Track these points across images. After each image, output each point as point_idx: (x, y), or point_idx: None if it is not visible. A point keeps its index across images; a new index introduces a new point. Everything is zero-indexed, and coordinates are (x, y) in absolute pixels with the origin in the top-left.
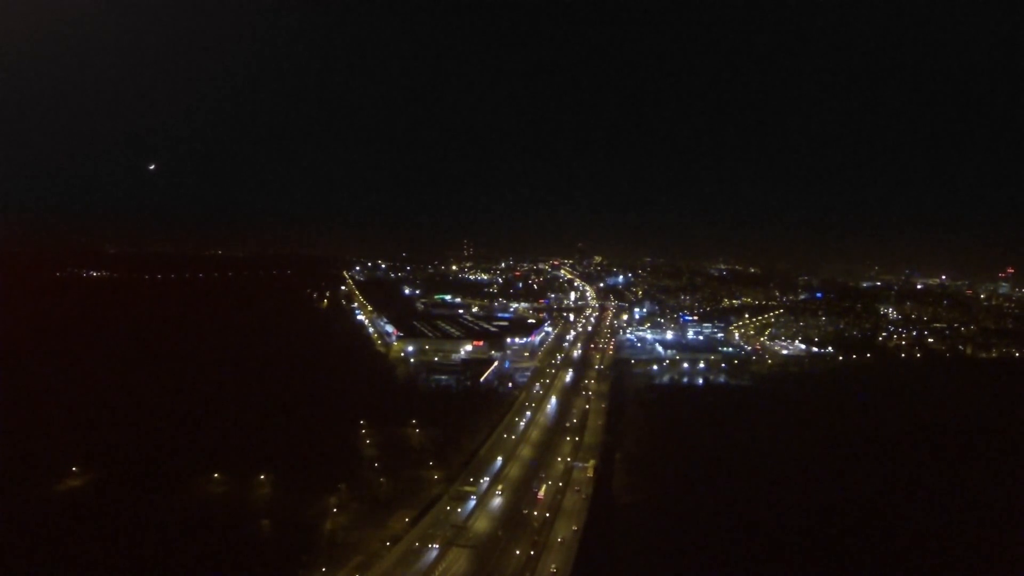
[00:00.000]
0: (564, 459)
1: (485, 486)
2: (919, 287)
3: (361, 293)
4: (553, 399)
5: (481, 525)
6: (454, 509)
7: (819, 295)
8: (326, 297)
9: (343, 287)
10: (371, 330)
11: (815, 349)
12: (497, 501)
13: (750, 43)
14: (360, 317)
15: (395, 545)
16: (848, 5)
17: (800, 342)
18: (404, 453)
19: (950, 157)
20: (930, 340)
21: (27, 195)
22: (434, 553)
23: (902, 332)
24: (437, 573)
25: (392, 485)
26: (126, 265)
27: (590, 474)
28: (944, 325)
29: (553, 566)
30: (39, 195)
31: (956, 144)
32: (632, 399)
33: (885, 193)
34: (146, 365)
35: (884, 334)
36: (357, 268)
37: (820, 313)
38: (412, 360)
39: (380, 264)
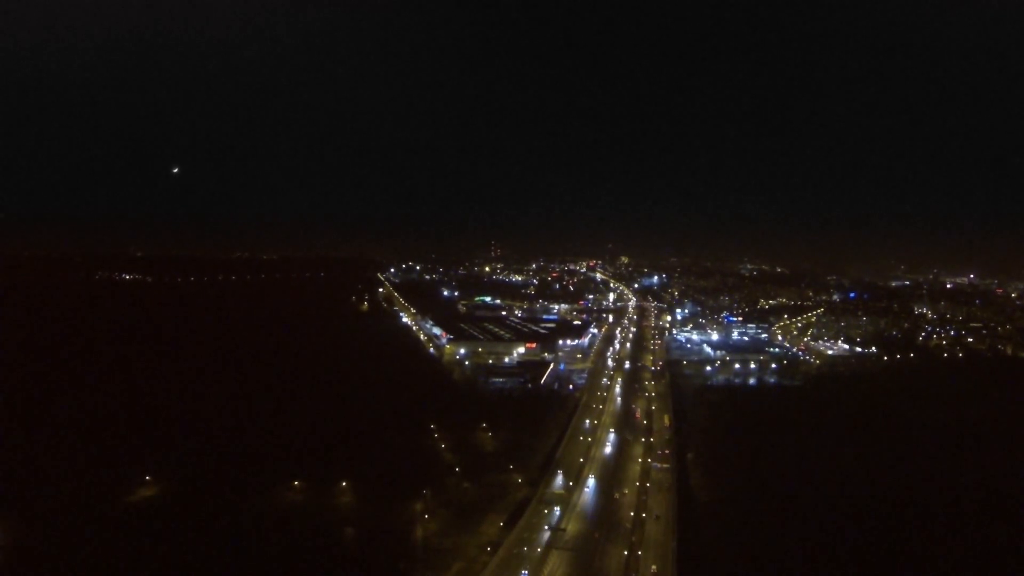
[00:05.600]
0: (639, 459)
1: (571, 488)
2: (949, 286)
3: (400, 295)
4: (615, 400)
5: (575, 527)
6: (545, 512)
7: (852, 295)
8: (366, 300)
9: (380, 289)
10: (418, 333)
11: (858, 349)
12: (585, 502)
13: (771, 44)
14: (404, 320)
15: (496, 550)
16: (879, 4)
17: (843, 342)
18: (481, 457)
19: (971, 156)
20: (969, 340)
21: (57, 200)
22: (536, 557)
23: (940, 332)
24: None
25: (476, 490)
26: (157, 268)
27: (666, 468)
28: (981, 324)
29: (654, 566)
30: (67, 200)
31: (977, 143)
32: (691, 400)
33: (906, 192)
34: (201, 370)
35: (923, 334)
36: (391, 270)
37: (860, 313)
38: (467, 363)
39: (413, 266)
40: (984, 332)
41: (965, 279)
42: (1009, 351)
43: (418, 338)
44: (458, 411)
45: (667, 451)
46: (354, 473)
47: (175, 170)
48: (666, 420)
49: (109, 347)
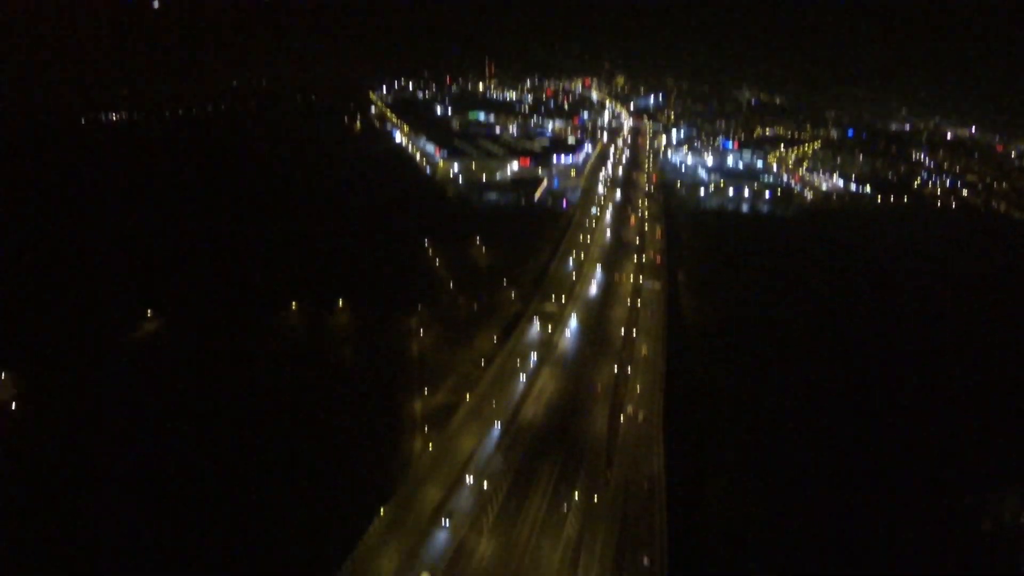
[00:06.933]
0: (630, 278)
1: (563, 305)
2: (949, 137)
3: (393, 114)
4: (608, 218)
5: (567, 342)
6: (538, 327)
7: (851, 133)
8: (358, 119)
9: (372, 108)
10: (412, 151)
11: (853, 187)
12: (577, 318)
13: None
14: (398, 139)
15: (489, 365)
16: None
17: (838, 178)
18: (475, 273)
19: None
20: (964, 192)
21: None
22: (528, 371)
23: (936, 180)
24: (535, 390)
25: (469, 305)
26: (141, 105)
27: (657, 288)
28: (977, 179)
29: (642, 381)
30: None
31: None
32: (684, 222)
33: (915, 29)
34: (192, 200)
35: (919, 180)
36: (383, 89)
37: (857, 151)
38: (460, 180)
39: (405, 84)
40: (980, 187)
41: (966, 132)
42: (1003, 209)
43: (412, 156)
44: (452, 227)
45: (658, 270)
46: (350, 292)
47: None
48: (658, 237)
49: (100, 182)
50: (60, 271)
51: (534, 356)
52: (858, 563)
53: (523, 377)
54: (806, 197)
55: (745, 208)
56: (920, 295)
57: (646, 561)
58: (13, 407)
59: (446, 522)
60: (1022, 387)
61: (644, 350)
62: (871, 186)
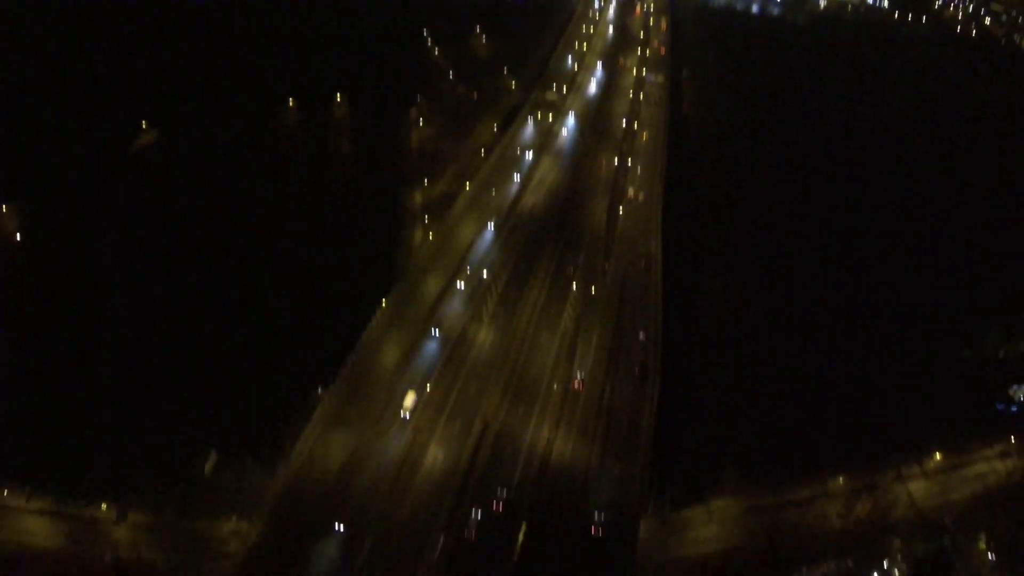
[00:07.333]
0: (633, 71)
1: (564, 96)
2: None
3: None
4: (611, 11)
5: (567, 132)
6: (539, 116)
7: None
8: None
9: None
10: None
11: (870, 0)
12: (578, 110)
13: None
14: None
15: (489, 154)
16: None
17: None
18: (475, 63)
19: None
20: (987, 20)
21: None
22: (528, 160)
23: (958, 4)
24: (535, 179)
25: (470, 95)
26: None
27: (660, 82)
28: (1002, 9)
29: (642, 168)
30: None
31: None
32: (690, 19)
33: None
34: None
35: (940, 1)
36: None
37: None
38: None
39: None
40: (1004, 19)
41: None
42: (1023, 45)
43: None
44: (451, 16)
45: (661, 64)
46: (348, 85)
47: None
48: (663, 30)
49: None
50: (47, 92)
51: (534, 146)
52: (836, 377)
53: (523, 166)
54: (819, 4)
55: (755, 8)
56: (925, 119)
57: (642, 336)
58: (18, 238)
59: (447, 313)
60: (1013, 223)
61: (645, 139)
62: (888, 0)
